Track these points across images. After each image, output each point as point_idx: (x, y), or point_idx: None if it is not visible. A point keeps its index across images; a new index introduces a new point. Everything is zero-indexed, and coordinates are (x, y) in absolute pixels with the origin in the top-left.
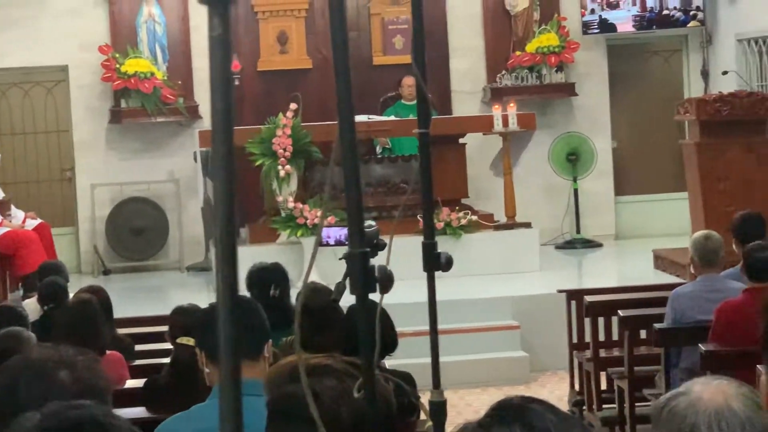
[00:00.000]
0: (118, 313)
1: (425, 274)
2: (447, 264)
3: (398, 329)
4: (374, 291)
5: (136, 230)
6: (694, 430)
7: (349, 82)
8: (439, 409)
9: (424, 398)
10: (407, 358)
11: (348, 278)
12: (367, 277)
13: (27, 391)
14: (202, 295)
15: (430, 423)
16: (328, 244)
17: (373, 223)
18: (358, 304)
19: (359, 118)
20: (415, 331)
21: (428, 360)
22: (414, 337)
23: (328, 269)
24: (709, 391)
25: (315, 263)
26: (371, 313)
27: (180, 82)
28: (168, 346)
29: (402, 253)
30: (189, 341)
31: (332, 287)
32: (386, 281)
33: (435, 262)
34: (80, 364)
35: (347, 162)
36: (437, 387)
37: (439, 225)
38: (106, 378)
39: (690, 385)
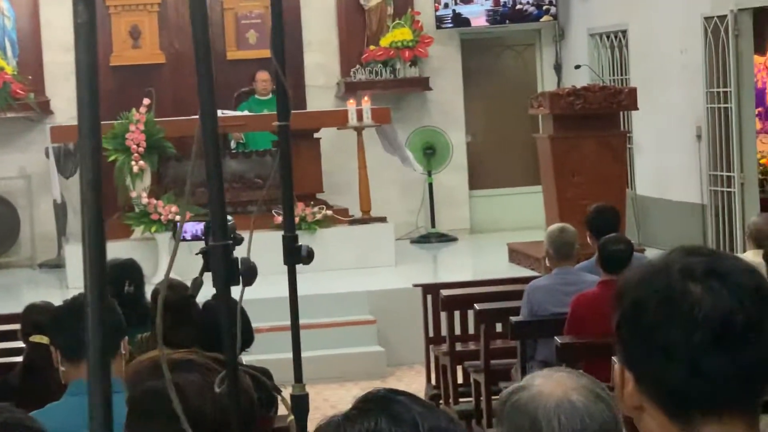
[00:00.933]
0: None
1: (281, 269)
2: (308, 257)
3: (253, 325)
4: (237, 284)
5: None
6: (536, 424)
7: (211, 76)
8: (301, 403)
9: (285, 392)
10: (263, 353)
11: (206, 273)
12: (230, 269)
13: None
14: (56, 292)
15: (291, 417)
16: (184, 239)
17: (229, 218)
18: (221, 297)
19: None
20: (270, 327)
21: (285, 355)
22: (269, 332)
23: (184, 264)
24: (549, 384)
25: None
26: (232, 307)
27: (30, 77)
28: (20, 344)
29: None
30: (42, 339)
31: (188, 283)
32: (250, 274)
33: (296, 256)
34: None
35: (209, 156)
36: (299, 381)
37: (295, 220)
38: None
39: (530, 379)
